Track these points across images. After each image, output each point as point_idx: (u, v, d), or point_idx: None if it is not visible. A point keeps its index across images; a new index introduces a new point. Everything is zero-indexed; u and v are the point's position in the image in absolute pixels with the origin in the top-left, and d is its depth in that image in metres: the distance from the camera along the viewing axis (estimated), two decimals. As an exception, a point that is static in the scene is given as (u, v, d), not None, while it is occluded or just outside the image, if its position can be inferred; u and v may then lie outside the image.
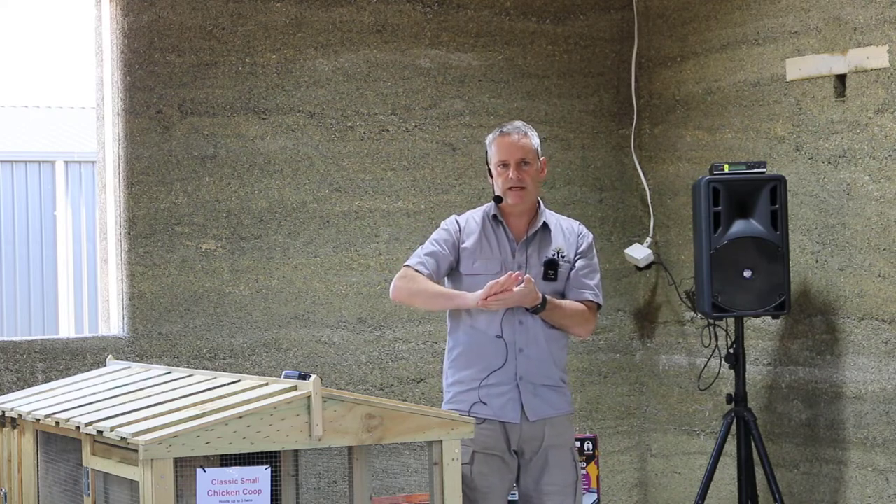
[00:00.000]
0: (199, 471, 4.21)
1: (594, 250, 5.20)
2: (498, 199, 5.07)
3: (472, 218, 5.16)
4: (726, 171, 6.32)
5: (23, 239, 16.28)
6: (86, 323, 16.06)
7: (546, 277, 5.05)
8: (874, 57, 6.17)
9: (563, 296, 5.10)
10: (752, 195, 6.30)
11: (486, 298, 4.88)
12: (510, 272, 4.91)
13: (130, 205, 6.57)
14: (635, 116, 7.44)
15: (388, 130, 7.03)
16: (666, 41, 7.30)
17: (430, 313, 7.05)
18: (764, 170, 6.34)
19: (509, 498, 5.16)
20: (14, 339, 6.57)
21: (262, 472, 4.27)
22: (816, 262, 6.47)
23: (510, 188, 5.03)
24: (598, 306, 5.18)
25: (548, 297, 4.99)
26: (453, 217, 5.20)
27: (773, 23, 6.66)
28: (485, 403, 5.01)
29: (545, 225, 5.11)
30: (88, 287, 16.02)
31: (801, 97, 6.53)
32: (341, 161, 6.94)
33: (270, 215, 6.80)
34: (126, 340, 6.53)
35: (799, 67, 6.54)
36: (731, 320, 6.47)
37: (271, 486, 4.30)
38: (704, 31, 7.06)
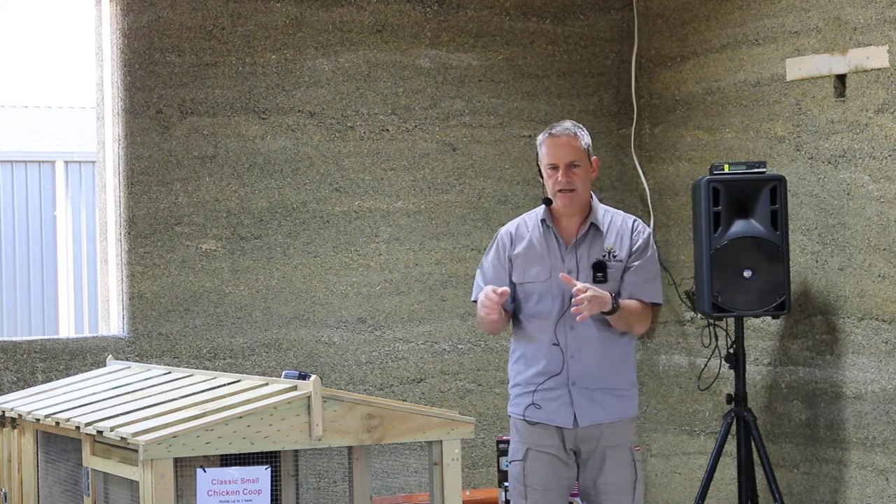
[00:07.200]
0: (199, 471, 4.21)
1: (652, 247, 5.06)
2: (548, 202, 5.02)
3: (524, 223, 5.10)
4: (726, 171, 6.32)
5: (23, 239, 16.26)
6: (86, 323, 16.05)
7: (595, 280, 4.95)
8: (874, 57, 6.16)
9: (617, 295, 4.98)
10: (752, 195, 6.29)
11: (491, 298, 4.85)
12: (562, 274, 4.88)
13: (130, 205, 6.57)
14: (635, 116, 7.43)
15: (388, 130, 7.03)
16: (666, 41, 7.30)
17: (430, 313, 7.05)
18: (764, 170, 6.34)
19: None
20: (14, 339, 6.57)
21: (262, 472, 4.27)
22: (816, 262, 6.47)
23: (559, 191, 4.97)
24: (657, 304, 5.11)
25: (619, 300, 4.91)
26: (504, 229, 5.13)
27: (773, 23, 6.66)
28: (538, 407, 5.00)
29: (594, 226, 5.02)
30: (88, 287, 16.00)
31: (801, 97, 6.53)
32: (341, 161, 6.94)
33: (270, 215, 6.80)
34: (126, 340, 6.53)
35: (799, 67, 6.54)
36: (731, 320, 6.47)
37: (271, 486, 4.30)
38: (704, 31, 7.06)
